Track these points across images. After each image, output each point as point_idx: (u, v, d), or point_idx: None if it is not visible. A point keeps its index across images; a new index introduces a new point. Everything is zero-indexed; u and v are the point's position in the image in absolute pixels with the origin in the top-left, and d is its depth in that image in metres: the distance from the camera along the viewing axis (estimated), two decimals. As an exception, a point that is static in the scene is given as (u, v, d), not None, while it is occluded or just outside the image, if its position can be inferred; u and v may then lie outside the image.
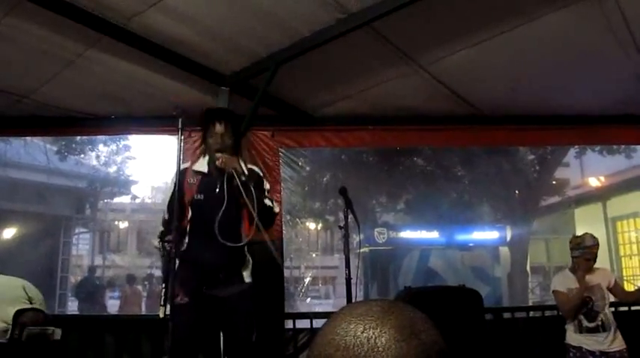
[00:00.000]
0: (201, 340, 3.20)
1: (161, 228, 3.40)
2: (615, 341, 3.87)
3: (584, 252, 4.00)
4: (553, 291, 4.09)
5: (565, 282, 4.03)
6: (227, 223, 3.15)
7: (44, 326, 1.69)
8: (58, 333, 1.71)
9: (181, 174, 3.22)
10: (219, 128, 3.28)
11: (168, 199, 3.31)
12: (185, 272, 3.06)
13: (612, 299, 4.16)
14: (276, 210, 3.46)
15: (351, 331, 0.75)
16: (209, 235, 3.10)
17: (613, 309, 4.27)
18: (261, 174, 3.50)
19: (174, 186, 3.13)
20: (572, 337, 3.95)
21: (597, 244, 4.05)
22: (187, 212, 3.22)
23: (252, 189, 3.17)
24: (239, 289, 3.23)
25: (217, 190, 3.17)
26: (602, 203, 15.52)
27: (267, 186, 3.46)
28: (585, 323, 3.91)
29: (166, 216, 3.32)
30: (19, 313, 1.65)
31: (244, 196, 3.14)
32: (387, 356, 0.72)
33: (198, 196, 3.22)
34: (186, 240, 3.19)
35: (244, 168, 3.29)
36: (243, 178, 3.16)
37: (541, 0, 3.18)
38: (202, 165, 3.32)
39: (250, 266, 3.33)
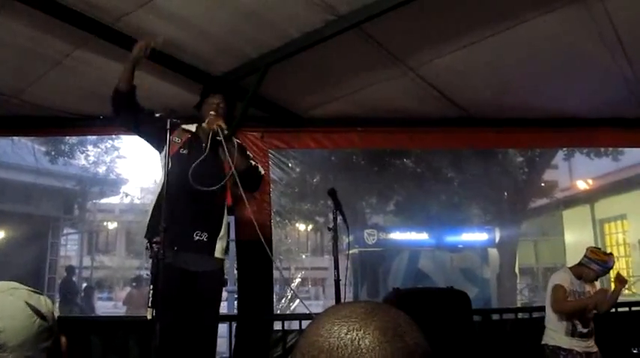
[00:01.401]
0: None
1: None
2: (594, 345, 4.03)
3: (603, 271, 4.10)
4: (556, 285, 4.07)
5: (568, 281, 4.07)
6: (206, 175, 3.14)
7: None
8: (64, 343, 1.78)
9: (171, 128, 3.18)
10: (214, 98, 3.36)
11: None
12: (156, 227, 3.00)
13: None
14: (262, 171, 3.51)
15: (335, 332, 0.75)
16: (186, 191, 3.09)
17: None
18: (244, 145, 3.56)
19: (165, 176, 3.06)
20: (564, 340, 3.99)
21: (614, 267, 4.25)
22: (163, 168, 3.15)
23: (236, 146, 3.25)
24: (211, 268, 3.21)
25: (201, 154, 3.19)
26: (590, 205, 15.67)
27: (250, 154, 3.51)
28: (580, 328, 3.98)
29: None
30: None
31: (226, 151, 3.15)
32: (370, 358, 0.73)
33: (183, 151, 3.26)
34: (158, 194, 3.14)
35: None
36: (227, 132, 3.22)
37: (529, 3, 3.20)
38: (191, 127, 3.39)
39: (226, 242, 3.32)
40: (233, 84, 4.00)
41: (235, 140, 3.41)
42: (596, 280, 4.11)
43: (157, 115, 3.12)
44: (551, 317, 4.08)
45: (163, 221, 2.87)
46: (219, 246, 3.26)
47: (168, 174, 3.01)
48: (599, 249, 4.35)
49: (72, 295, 13.83)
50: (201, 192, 3.11)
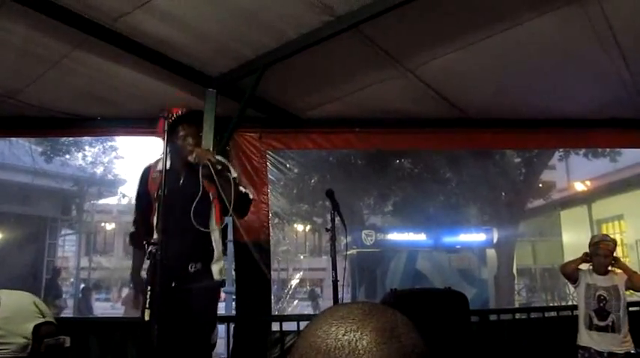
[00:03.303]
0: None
1: (132, 229, 3.51)
2: (624, 344, 3.95)
3: (596, 248, 4.14)
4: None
5: (586, 268, 4.17)
6: (195, 212, 3.19)
7: (56, 336, 1.87)
8: (68, 341, 1.88)
9: (146, 171, 3.40)
10: (181, 132, 3.33)
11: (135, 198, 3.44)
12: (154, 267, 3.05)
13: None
14: (251, 196, 3.54)
15: (332, 333, 0.76)
16: (176, 227, 3.15)
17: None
18: (227, 164, 3.53)
19: (139, 186, 3.28)
20: (582, 336, 4.03)
21: (609, 240, 4.22)
22: (154, 207, 3.25)
23: (231, 179, 3.28)
24: (206, 285, 3.25)
25: (181, 182, 3.28)
26: (587, 205, 15.70)
27: (234, 174, 3.48)
28: (596, 320, 3.99)
29: (134, 215, 3.50)
30: (36, 328, 1.80)
31: (219, 186, 3.21)
32: (367, 359, 0.73)
33: (160, 193, 3.22)
34: (154, 236, 3.15)
35: (218, 158, 3.36)
36: (219, 167, 3.24)
37: (527, 4, 3.21)
38: (161, 163, 3.33)
39: (222, 263, 3.36)
40: (230, 84, 4.01)
41: (219, 164, 3.37)
42: (607, 264, 4.11)
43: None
44: (579, 312, 4.14)
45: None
46: (216, 269, 3.31)
47: (157, 213, 3.13)
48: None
49: (55, 297, 13.65)
50: (189, 224, 3.18)
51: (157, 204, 3.19)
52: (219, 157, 3.50)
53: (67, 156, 15.62)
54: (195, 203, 3.19)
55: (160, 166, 3.33)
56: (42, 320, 1.81)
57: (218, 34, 3.47)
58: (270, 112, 4.52)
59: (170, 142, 3.27)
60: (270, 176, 4.71)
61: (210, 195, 3.31)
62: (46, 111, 4.47)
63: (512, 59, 3.88)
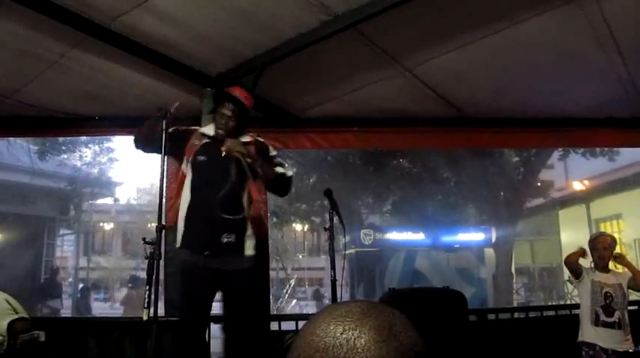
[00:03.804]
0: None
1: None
2: (626, 342, 3.97)
3: (594, 243, 4.16)
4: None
5: (588, 265, 4.17)
6: (229, 196, 3.20)
7: (31, 331, 1.89)
8: (42, 335, 1.90)
9: (186, 134, 3.35)
10: (226, 110, 3.32)
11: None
12: (188, 234, 3.20)
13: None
14: (289, 173, 3.53)
15: (331, 332, 0.76)
16: (210, 199, 3.17)
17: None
18: (264, 142, 3.52)
19: (173, 141, 3.14)
20: (588, 332, 4.02)
21: (607, 235, 4.29)
22: (187, 175, 3.29)
23: (260, 167, 3.27)
24: (242, 266, 3.26)
25: (222, 155, 3.23)
26: (585, 205, 15.68)
27: (273, 152, 3.51)
28: (603, 317, 3.99)
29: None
30: (10, 324, 1.86)
31: (251, 177, 3.24)
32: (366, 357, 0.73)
33: (201, 158, 3.28)
34: (188, 203, 3.24)
35: (248, 148, 3.31)
36: (249, 160, 3.23)
37: (525, 4, 3.21)
38: (210, 129, 3.39)
39: (254, 239, 3.35)
40: (229, 84, 4.00)
41: (255, 144, 3.41)
42: (608, 260, 4.12)
43: (170, 130, 3.11)
44: (581, 308, 4.14)
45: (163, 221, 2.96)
46: (249, 243, 3.31)
47: (192, 180, 3.24)
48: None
49: (54, 297, 13.51)
50: (226, 196, 3.20)
51: (191, 170, 3.24)
52: (258, 138, 3.50)
53: (65, 157, 15.60)
54: (232, 176, 3.21)
55: (203, 129, 3.39)
56: (15, 316, 1.82)
57: (216, 34, 3.47)
58: (269, 112, 4.52)
59: (215, 109, 3.36)
60: (268, 175, 4.71)
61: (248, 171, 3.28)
62: (44, 110, 4.46)
63: (511, 58, 3.88)
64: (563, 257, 4.39)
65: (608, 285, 4.04)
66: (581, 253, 4.19)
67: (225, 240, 3.19)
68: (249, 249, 3.30)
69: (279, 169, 3.40)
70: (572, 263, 4.19)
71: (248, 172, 3.21)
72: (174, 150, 3.25)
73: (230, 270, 3.22)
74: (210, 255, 3.16)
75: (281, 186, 3.47)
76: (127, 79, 3.93)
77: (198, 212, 3.20)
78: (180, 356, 3.24)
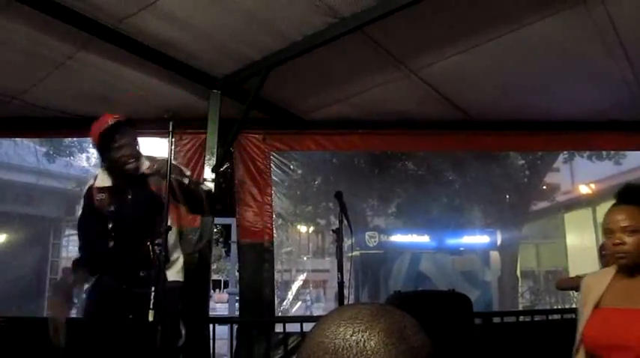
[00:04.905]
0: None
1: (77, 255, 3.42)
2: None
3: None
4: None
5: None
6: (145, 228, 3.17)
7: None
8: None
9: (89, 194, 3.35)
10: (119, 141, 3.19)
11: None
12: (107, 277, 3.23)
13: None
14: (205, 190, 3.49)
15: (340, 334, 0.76)
16: (127, 241, 3.20)
17: None
18: (174, 163, 3.32)
19: (84, 209, 3.32)
20: None
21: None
22: (102, 228, 3.28)
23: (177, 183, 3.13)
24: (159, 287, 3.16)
25: (129, 197, 3.24)
26: (591, 208, 15.64)
27: (187, 172, 3.44)
28: None
29: (80, 242, 3.47)
30: None
31: (182, 200, 3.20)
32: (375, 360, 0.73)
33: (111, 208, 3.26)
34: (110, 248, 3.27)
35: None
36: (186, 181, 3.22)
37: (530, 7, 3.21)
38: (104, 180, 3.33)
39: (179, 265, 3.37)
40: (234, 85, 4.02)
41: (160, 160, 3.23)
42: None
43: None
44: None
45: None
46: (171, 273, 3.28)
47: (111, 229, 3.26)
48: None
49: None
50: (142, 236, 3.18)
51: (110, 224, 3.24)
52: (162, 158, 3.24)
53: (71, 157, 15.62)
54: (146, 213, 3.18)
55: (99, 183, 3.34)
56: None
57: (222, 36, 3.48)
58: (274, 114, 4.52)
59: (105, 156, 3.25)
60: (273, 177, 4.72)
61: (163, 198, 3.04)
62: (51, 111, 4.48)
63: (516, 61, 3.88)
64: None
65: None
66: (574, 285, 4.10)
67: (142, 274, 3.20)
68: (172, 276, 3.29)
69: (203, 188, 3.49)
70: (563, 288, 4.14)
71: (179, 196, 3.18)
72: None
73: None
74: (129, 287, 3.23)
75: (195, 205, 3.44)
76: (133, 81, 3.94)
77: (116, 258, 3.26)
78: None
